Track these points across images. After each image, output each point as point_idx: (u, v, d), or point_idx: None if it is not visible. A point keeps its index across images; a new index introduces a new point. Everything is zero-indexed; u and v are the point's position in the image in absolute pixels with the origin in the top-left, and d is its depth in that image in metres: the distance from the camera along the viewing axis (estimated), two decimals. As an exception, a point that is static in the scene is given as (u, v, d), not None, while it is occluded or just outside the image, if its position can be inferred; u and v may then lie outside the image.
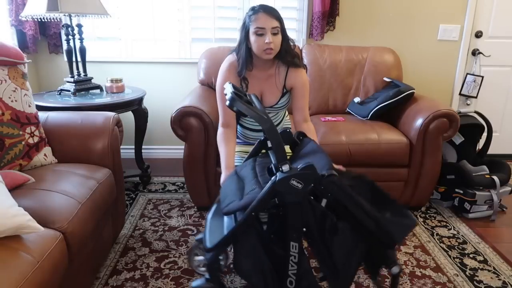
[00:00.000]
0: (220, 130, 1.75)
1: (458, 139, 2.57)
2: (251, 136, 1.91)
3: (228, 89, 1.27)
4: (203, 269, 1.60)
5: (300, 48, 2.84)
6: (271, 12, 1.63)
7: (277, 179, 1.18)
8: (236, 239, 1.28)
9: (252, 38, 1.64)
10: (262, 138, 1.54)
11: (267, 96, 1.78)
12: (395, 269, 1.28)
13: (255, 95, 1.38)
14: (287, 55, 1.72)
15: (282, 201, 1.22)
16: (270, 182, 1.19)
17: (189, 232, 2.12)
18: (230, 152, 1.70)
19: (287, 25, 1.89)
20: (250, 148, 1.75)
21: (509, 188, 2.36)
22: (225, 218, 1.42)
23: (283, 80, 1.77)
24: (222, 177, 1.62)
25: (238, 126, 1.89)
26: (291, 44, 1.75)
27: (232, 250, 1.64)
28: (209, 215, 1.53)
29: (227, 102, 1.20)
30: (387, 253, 1.37)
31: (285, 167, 1.18)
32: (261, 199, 1.20)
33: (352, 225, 1.27)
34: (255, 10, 1.63)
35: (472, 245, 2.08)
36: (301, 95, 1.78)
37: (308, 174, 1.18)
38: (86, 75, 2.54)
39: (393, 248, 1.38)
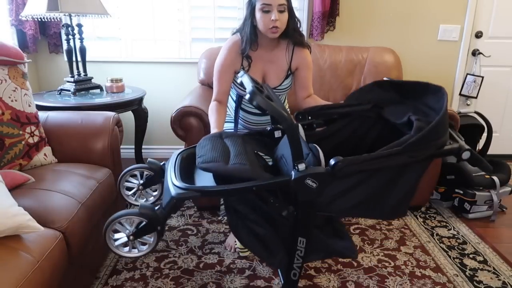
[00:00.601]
0: (212, 103, 1.72)
1: (458, 139, 2.57)
2: (252, 120, 1.88)
3: (247, 81, 1.22)
4: (134, 199, 1.51)
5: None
6: None
7: (293, 177, 1.17)
8: (225, 199, 1.30)
9: (258, 15, 1.60)
10: (269, 129, 1.53)
11: (270, 78, 1.75)
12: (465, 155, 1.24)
13: (271, 87, 1.35)
14: (295, 33, 1.69)
15: (294, 197, 1.23)
16: (284, 178, 1.19)
17: (189, 232, 2.12)
18: (221, 121, 1.68)
19: None
20: None
21: (509, 189, 2.36)
22: (199, 170, 1.34)
23: (289, 60, 1.74)
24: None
25: (240, 111, 1.86)
26: (298, 23, 1.71)
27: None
28: (179, 153, 1.43)
29: (247, 96, 1.14)
30: None
31: (301, 166, 1.17)
32: (269, 184, 1.20)
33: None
34: None
35: (472, 246, 2.08)
36: (306, 75, 1.77)
37: (323, 174, 1.18)
38: (86, 75, 2.54)
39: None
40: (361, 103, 1.53)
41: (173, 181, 1.24)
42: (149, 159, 1.56)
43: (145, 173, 1.52)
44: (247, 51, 1.68)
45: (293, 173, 1.17)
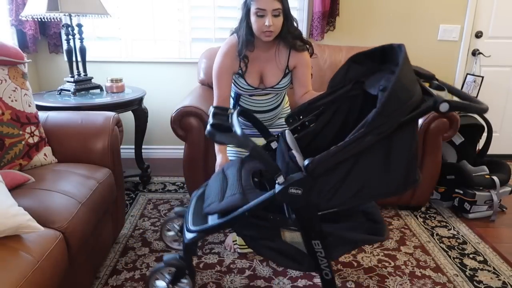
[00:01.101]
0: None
1: (458, 139, 2.57)
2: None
3: (209, 119, 1.28)
4: (177, 244, 1.64)
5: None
6: None
7: (276, 192, 1.21)
8: (220, 230, 1.42)
9: (252, 18, 1.60)
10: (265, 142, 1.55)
11: (268, 77, 1.76)
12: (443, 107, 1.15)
13: (239, 110, 1.40)
14: (289, 36, 1.69)
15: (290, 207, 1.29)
16: (268, 193, 1.23)
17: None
18: None
19: None
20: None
21: (509, 189, 2.36)
22: None
23: (286, 61, 1.74)
24: (218, 160, 1.66)
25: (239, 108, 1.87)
26: (295, 23, 1.70)
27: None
28: (196, 195, 1.54)
29: (206, 134, 1.21)
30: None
31: (280, 179, 1.20)
32: (256, 205, 1.24)
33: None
34: None
35: (472, 245, 2.08)
36: (304, 72, 1.77)
37: (304, 179, 1.20)
38: (86, 75, 2.54)
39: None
40: (344, 85, 1.49)
41: (186, 226, 1.40)
42: (175, 208, 1.80)
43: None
44: (244, 52, 1.68)
45: (276, 187, 1.21)
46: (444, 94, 1.21)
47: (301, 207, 1.26)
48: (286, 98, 1.99)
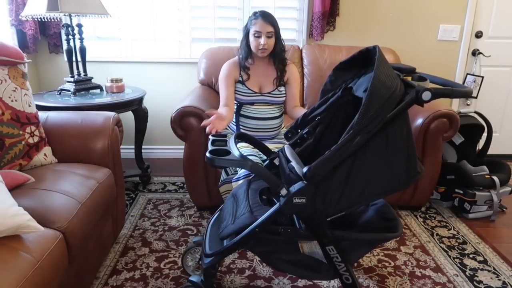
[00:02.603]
0: (222, 109, 1.97)
1: (458, 139, 2.57)
2: (251, 125, 2.09)
3: (208, 146, 1.36)
4: (198, 273, 1.65)
5: (300, 48, 2.84)
6: (268, 19, 1.96)
7: (281, 205, 1.25)
8: (235, 250, 1.40)
9: (251, 38, 2.00)
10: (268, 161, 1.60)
11: (265, 86, 2.09)
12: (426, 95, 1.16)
13: (237, 134, 1.53)
14: (282, 53, 2.08)
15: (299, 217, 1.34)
16: (274, 207, 1.27)
17: (189, 232, 2.12)
18: (229, 114, 1.96)
19: (287, 25, 2.08)
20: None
21: (509, 189, 2.36)
22: None
23: (277, 73, 2.09)
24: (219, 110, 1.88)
25: (240, 117, 2.11)
26: (283, 45, 2.08)
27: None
28: (211, 221, 1.61)
29: (206, 161, 1.28)
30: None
31: (283, 191, 1.25)
32: (264, 220, 1.28)
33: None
34: (256, 16, 1.97)
35: (472, 246, 2.08)
36: (294, 86, 2.15)
37: (305, 187, 1.23)
38: (86, 75, 2.54)
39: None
40: (334, 93, 1.52)
41: (204, 252, 1.44)
42: (193, 238, 1.86)
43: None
44: (244, 64, 2.05)
45: (280, 199, 1.26)
46: (427, 84, 1.21)
47: (309, 216, 1.27)
48: (283, 116, 2.20)
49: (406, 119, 1.22)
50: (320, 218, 1.28)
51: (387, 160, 1.21)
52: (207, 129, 1.71)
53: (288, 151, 1.47)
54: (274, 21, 1.98)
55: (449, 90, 1.18)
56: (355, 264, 1.87)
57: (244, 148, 1.88)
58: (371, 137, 1.17)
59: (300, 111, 2.00)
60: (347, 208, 1.27)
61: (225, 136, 1.46)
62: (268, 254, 1.39)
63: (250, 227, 1.29)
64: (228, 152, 1.29)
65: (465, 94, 1.17)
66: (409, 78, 1.27)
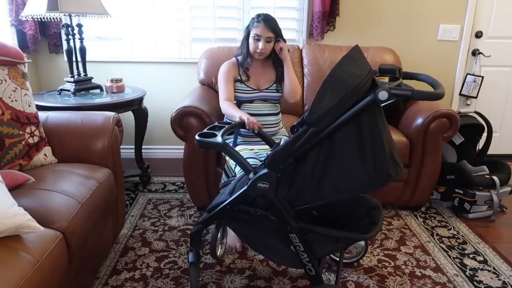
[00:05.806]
0: (225, 102, 1.99)
1: (458, 139, 2.57)
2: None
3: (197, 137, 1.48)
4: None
5: (300, 48, 2.84)
6: (270, 24, 1.96)
7: (247, 186, 1.39)
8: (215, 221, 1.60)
9: (251, 40, 2.01)
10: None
11: (263, 84, 2.10)
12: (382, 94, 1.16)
13: (230, 124, 1.66)
14: (276, 57, 2.09)
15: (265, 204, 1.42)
16: (243, 189, 1.41)
17: (189, 232, 2.12)
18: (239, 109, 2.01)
19: (287, 25, 2.09)
20: (251, 146, 1.95)
21: (509, 188, 2.36)
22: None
23: (274, 73, 2.11)
24: (243, 117, 1.81)
25: None
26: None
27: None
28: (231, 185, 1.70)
29: (195, 142, 1.45)
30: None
31: (251, 175, 1.39)
32: (234, 199, 1.44)
33: None
34: (258, 20, 1.98)
35: (472, 245, 2.08)
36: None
37: (267, 173, 1.34)
38: (86, 75, 2.54)
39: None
40: None
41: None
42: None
43: None
44: (244, 64, 2.07)
45: (248, 183, 1.39)
46: (394, 85, 1.21)
47: (272, 201, 1.36)
48: (280, 114, 2.19)
49: (374, 120, 1.21)
50: (284, 205, 1.35)
51: (351, 159, 1.23)
52: (251, 127, 1.77)
53: (283, 142, 1.49)
54: (275, 26, 1.99)
55: (408, 91, 1.16)
56: (355, 264, 1.88)
57: (244, 151, 1.88)
58: (337, 135, 1.22)
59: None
60: (311, 201, 1.33)
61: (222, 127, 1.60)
62: (243, 233, 1.55)
63: (223, 204, 1.47)
64: (214, 136, 1.45)
65: (427, 97, 1.17)
66: (385, 79, 1.28)
